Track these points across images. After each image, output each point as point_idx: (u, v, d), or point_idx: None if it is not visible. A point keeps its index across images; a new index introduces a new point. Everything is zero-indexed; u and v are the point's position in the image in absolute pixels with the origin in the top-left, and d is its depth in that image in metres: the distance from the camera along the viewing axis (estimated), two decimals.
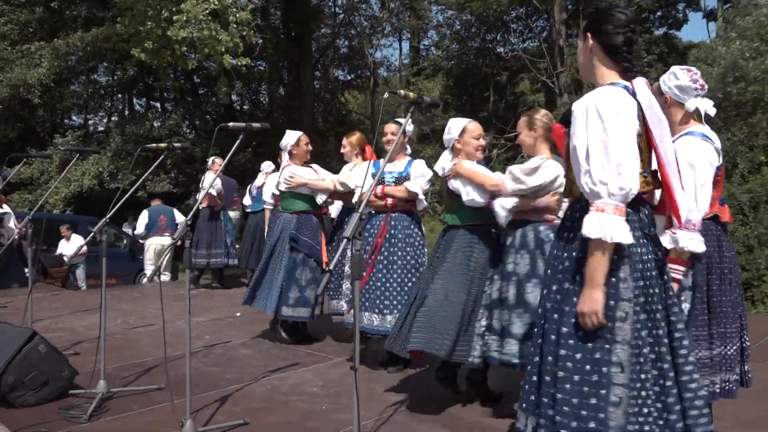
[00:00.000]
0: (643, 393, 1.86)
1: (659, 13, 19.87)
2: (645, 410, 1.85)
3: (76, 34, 14.97)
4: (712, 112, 2.64)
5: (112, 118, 21.54)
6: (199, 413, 3.23)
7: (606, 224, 1.83)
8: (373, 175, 3.78)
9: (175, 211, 9.25)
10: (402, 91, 2.43)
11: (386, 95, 2.57)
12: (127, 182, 15.52)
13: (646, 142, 1.99)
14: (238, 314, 6.04)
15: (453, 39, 20.43)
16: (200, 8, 11.74)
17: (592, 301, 1.86)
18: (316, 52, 19.85)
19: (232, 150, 3.16)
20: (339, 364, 4.26)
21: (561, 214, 2.81)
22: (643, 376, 1.86)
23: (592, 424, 1.84)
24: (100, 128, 21.23)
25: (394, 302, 3.88)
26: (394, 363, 4.05)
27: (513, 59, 19.73)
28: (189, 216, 2.93)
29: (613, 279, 1.89)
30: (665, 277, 2.02)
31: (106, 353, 3.58)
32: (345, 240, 2.18)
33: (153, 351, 4.65)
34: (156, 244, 8.74)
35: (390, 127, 4.21)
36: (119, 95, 21.73)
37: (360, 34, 21.16)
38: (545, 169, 3.03)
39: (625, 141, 1.88)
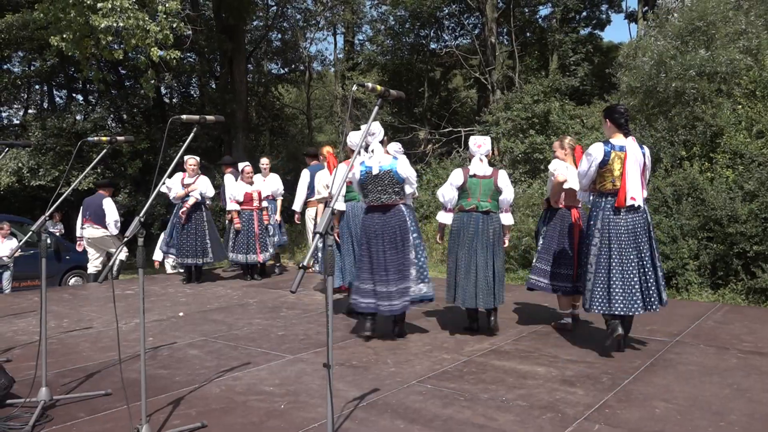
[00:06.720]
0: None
1: (584, 14, 20.67)
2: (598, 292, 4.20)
3: None
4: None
5: (29, 111, 20.28)
6: (151, 418, 3.10)
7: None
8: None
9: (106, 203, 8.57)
10: (370, 84, 2.39)
11: (355, 88, 2.54)
12: (49, 179, 14.66)
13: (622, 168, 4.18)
14: (180, 314, 5.84)
15: (387, 34, 20.48)
16: None
17: None
18: (249, 45, 19.37)
19: (186, 144, 3.04)
20: (292, 362, 4.19)
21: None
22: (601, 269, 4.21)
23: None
24: (16, 121, 19.91)
25: None
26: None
27: (446, 56, 20.02)
28: (142, 213, 2.78)
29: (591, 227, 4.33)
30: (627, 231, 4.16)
31: (45, 359, 3.37)
32: (317, 235, 2.14)
33: (93, 356, 4.42)
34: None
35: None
36: (37, 86, 20.44)
37: (293, 26, 20.83)
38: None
39: (584, 167, 4.26)
